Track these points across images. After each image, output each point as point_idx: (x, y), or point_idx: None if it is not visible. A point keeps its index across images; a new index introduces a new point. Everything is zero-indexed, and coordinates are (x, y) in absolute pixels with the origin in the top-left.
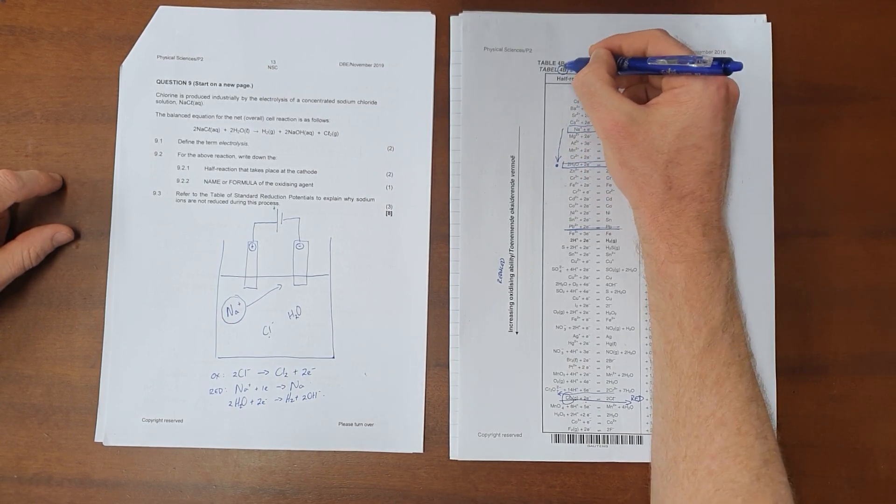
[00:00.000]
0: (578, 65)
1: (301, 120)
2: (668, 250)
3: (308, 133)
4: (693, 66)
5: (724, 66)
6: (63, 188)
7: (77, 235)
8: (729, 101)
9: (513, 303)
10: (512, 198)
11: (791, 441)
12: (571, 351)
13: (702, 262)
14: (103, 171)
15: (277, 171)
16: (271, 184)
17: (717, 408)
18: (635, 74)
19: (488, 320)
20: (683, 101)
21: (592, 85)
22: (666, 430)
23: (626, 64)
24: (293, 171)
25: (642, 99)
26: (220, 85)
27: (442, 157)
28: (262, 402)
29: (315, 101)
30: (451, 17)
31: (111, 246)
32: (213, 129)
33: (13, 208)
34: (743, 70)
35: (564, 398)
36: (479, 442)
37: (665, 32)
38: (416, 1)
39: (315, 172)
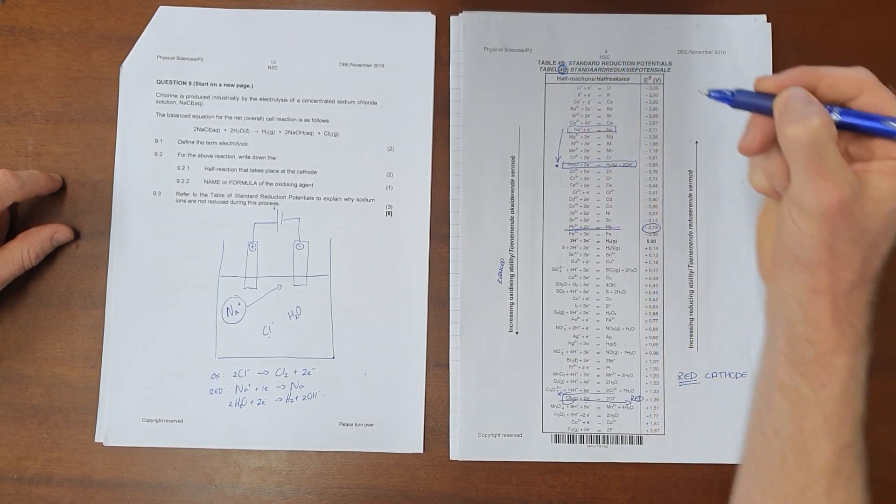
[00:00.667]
0: (742, 100)
1: (301, 120)
2: (839, 339)
3: (308, 133)
4: None
5: None
6: (63, 188)
7: (77, 235)
8: None
9: (513, 303)
10: (512, 198)
11: None
12: (571, 351)
13: (862, 354)
14: (103, 172)
15: (277, 171)
16: (271, 184)
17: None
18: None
19: (488, 320)
20: None
21: (825, 146)
22: None
23: (841, 120)
24: (293, 172)
25: None
26: (220, 85)
27: (442, 157)
28: (262, 403)
29: (315, 101)
30: (451, 17)
31: (111, 246)
32: (213, 130)
33: (13, 208)
34: (743, 70)
35: (564, 398)
36: (479, 442)
37: (875, 78)
38: (416, 1)
39: (315, 172)
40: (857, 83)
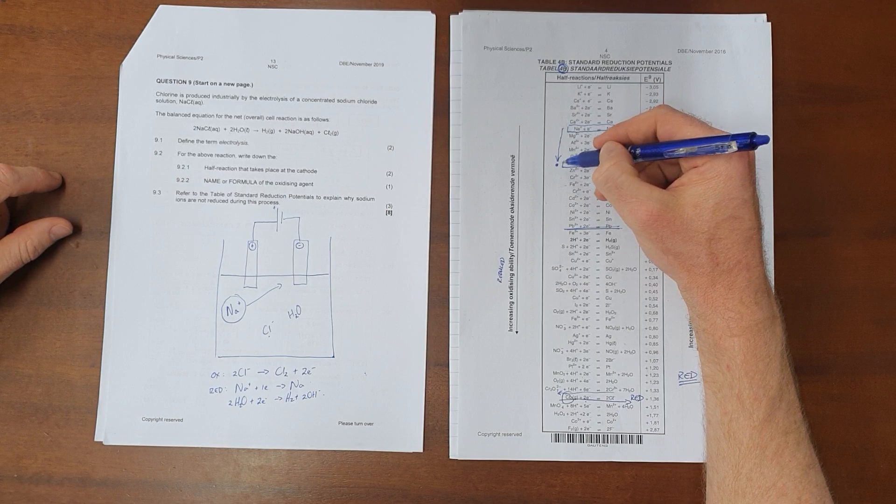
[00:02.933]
0: (584, 159)
1: (301, 119)
2: (725, 325)
3: (308, 132)
4: (718, 150)
5: (752, 141)
6: (63, 187)
7: (76, 230)
8: (752, 165)
9: (513, 302)
10: (512, 197)
11: None
12: (571, 350)
13: (759, 332)
14: (103, 171)
15: (277, 170)
16: (271, 183)
17: (777, 478)
18: (650, 161)
19: (488, 320)
20: (710, 177)
21: (618, 178)
22: (722, 499)
23: (638, 152)
24: (293, 171)
25: (659, 178)
26: (220, 84)
27: (442, 156)
28: (262, 402)
29: (315, 100)
30: (451, 17)
31: (111, 245)
32: (213, 129)
33: (12, 206)
34: (742, 69)
35: (564, 398)
36: (479, 441)
37: (669, 108)
38: (416, 0)
39: (315, 172)
40: (651, 119)
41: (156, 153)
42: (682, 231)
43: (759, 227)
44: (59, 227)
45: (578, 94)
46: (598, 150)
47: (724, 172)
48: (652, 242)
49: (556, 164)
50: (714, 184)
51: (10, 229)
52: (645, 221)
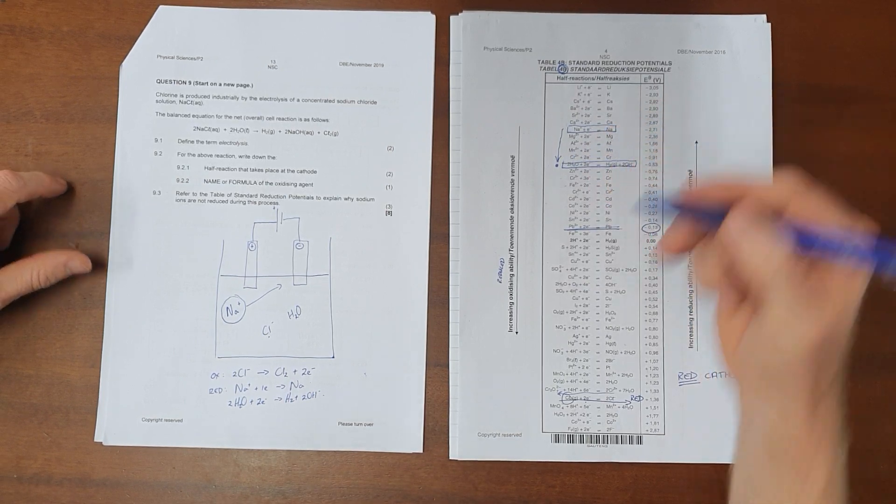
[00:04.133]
0: (699, 213)
1: (301, 120)
2: (820, 434)
3: (308, 133)
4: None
5: None
6: None
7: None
8: None
9: (513, 303)
10: (512, 198)
11: None
12: (571, 351)
13: (840, 449)
14: (103, 171)
15: (277, 170)
16: (271, 183)
17: None
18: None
19: (488, 320)
20: (856, 287)
21: (793, 271)
22: None
23: (801, 241)
24: (293, 171)
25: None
26: (220, 85)
27: (442, 156)
28: (262, 402)
29: (315, 100)
30: (451, 17)
31: (111, 246)
32: (213, 129)
33: (25, 211)
34: (742, 70)
35: (564, 398)
36: (479, 442)
37: (805, 181)
38: (416, 1)
39: (315, 172)
40: (785, 192)
41: (156, 153)
42: (838, 352)
43: None
44: (76, 262)
45: (578, 94)
46: (719, 209)
47: (862, 283)
48: (807, 362)
49: (558, 166)
50: (855, 296)
51: (18, 231)
52: (818, 342)
